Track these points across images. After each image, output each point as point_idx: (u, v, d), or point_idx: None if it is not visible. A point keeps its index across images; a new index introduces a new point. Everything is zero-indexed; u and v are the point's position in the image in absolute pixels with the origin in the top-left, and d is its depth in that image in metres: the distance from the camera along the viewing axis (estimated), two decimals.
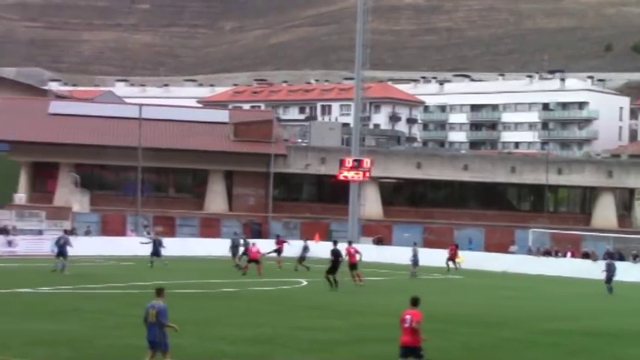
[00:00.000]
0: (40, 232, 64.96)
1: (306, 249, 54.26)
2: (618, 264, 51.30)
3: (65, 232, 45.34)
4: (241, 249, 53.61)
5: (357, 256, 43.98)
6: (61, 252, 44.93)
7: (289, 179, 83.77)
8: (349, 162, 71.99)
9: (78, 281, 40.33)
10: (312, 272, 49.94)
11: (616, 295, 45.26)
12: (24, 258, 53.73)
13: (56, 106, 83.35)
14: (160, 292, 19.18)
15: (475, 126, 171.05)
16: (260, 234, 73.71)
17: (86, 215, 72.11)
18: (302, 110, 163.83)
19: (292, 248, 56.25)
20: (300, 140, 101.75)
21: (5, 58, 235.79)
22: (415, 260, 52.38)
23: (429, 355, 19.38)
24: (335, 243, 44.57)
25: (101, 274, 45.71)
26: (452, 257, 58.41)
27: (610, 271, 46.88)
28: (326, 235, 68.53)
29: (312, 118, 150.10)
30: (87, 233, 65.77)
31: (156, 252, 50.95)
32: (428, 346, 25.12)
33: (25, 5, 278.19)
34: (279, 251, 55.26)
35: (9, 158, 78.54)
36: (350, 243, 46.96)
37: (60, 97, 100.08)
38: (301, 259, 53.20)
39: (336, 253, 41.78)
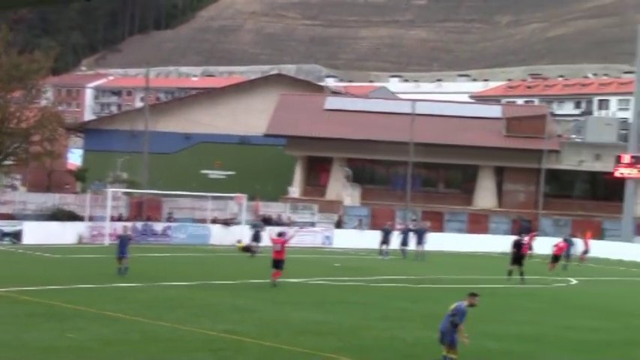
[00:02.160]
0: (312, 225, 67.01)
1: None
2: None
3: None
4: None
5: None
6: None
7: (561, 176, 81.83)
8: (626, 159, 69.42)
9: (345, 273, 41.26)
10: (579, 271, 48.83)
11: None
12: (295, 249, 55.40)
13: (331, 102, 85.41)
14: (472, 295, 19.33)
15: None
16: (529, 231, 72.43)
17: (356, 209, 73.50)
18: (577, 105, 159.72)
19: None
20: (574, 136, 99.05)
21: (286, 56, 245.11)
22: None
23: None
24: (520, 234, 45.81)
25: (367, 267, 46.48)
26: None
27: None
28: (598, 234, 66.48)
29: (587, 113, 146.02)
30: (357, 226, 67.04)
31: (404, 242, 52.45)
32: None
33: (305, 4, 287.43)
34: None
35: (286, 152, 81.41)
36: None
37: (335, 93, 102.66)
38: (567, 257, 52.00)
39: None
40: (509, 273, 41.58)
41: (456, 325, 18.84)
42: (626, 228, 69.16)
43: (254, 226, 54.33)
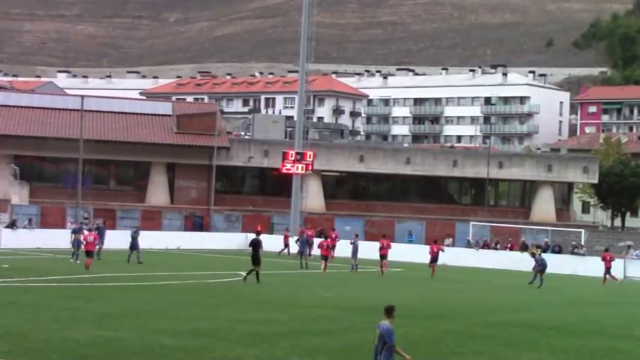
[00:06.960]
0: None
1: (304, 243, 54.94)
2: (556, 257, 52.01)
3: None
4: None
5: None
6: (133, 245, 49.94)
7: (232, 172, 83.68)
8: (292, 155, 71.81)
9: (15, 274, 39.83)
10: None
11: (553, 288, 45.83)
12: None
13: None
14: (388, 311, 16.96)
15: (418, 120, 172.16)
16: (202, 227, 73.50)
17: (25, 207, 71.28)
18: (245, 103, 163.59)
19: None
20: (243, 133, 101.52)
21: None
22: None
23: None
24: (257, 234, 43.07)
25: (39, 267, 45.18)
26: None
27: (543, 265, 47.37)
28: (268, 228, 68.43)
29: (255, 110, 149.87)
30: (27, 225, 64.90)
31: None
32: (367, 339, 25.34)
33: None
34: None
35: None
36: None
37: (0, 87, 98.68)
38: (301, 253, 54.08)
39: None
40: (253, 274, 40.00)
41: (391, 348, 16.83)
42: (294, 222, 71.72)
43: None
